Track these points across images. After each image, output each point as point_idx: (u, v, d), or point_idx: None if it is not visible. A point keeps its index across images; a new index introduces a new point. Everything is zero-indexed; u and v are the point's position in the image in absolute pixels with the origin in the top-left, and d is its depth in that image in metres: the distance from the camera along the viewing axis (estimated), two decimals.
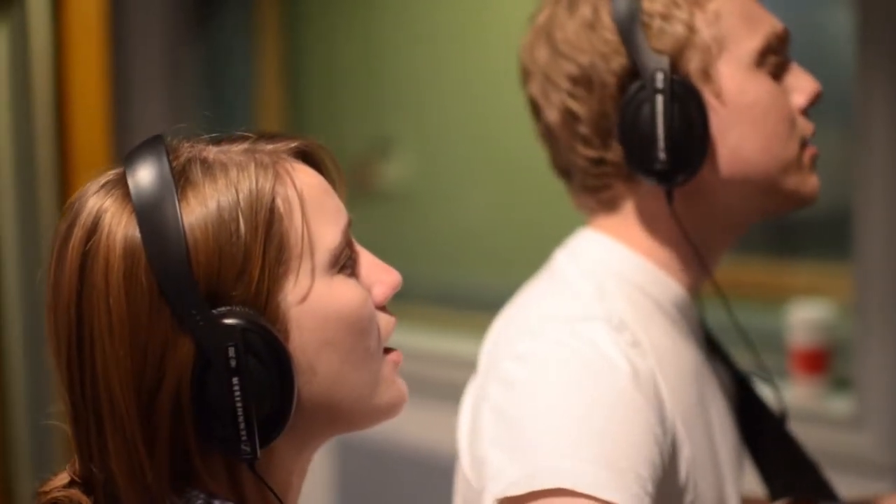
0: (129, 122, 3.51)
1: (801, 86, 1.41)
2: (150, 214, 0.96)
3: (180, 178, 0.99)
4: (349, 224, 1.07)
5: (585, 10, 1.39)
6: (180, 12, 3.84)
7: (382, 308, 1.09)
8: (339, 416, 1.05)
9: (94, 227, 0.98)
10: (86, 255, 0.98)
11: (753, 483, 1.64)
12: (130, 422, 0.97)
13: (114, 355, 0.96)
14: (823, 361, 2.71)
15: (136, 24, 3.68)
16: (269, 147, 1.05)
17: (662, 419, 1.28)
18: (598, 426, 1.20)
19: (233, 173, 1.00)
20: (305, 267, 1.01)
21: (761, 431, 1.58)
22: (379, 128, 3.93)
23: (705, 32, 1.36)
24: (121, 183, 1.00)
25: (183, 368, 0.96)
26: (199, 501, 0.99)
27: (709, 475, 1.39)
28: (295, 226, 1.01)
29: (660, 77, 1.32)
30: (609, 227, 1.43)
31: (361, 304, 1.04)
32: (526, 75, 1.47)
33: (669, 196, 1.37)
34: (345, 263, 1.04)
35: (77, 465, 1.03)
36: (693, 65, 1.36)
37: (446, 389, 3.08)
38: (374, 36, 3.93)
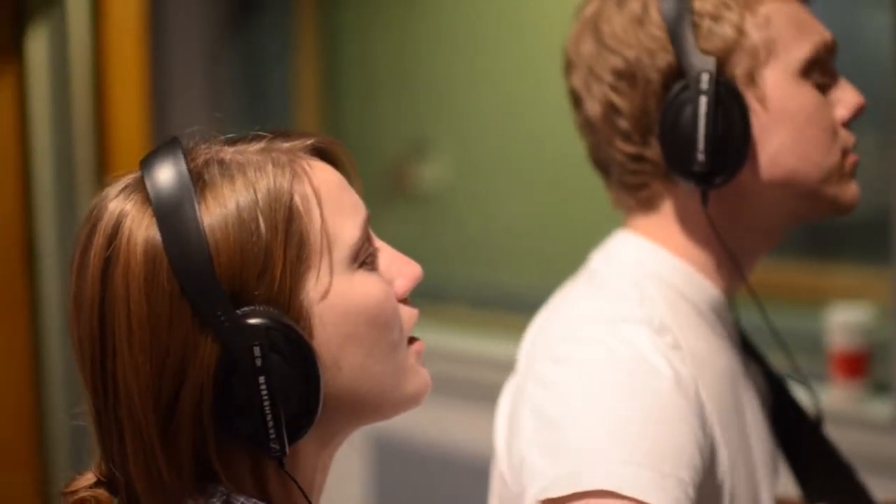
0: (167, 123, 3.53)
1: (846, 99, 1.40)
2: (170, 217, 0.97)
3: (198, 180, 1.00)
4: (368, 219, 1.07)
5: (635, 6, 1.38)
6: (219, 14, 3.86)
7: (404, 300, 1.09)
8: (365, 408, 1.06)
9: (114, 232, 0.99)
10: (107, 261, 0.98)
11: (789, 486, 1.63)
12: (148, 426, 0.97)
13: (133, 361, 0.97)
14: (862, 365, 2.69)
15: (175, 26, 3.69)
16: (285, 146, 1.06)
17: (703, 423, 1.28)
18: (640, 429, 1.20)
19: (250, 173, 1.01)
20: (326, 263, 1.01)
21: (797, 435, 1.57)
22: (416, 129, 3.93)
23: (755, 36, 1.36)
24: (139, 186, 1.01)
25: (206, 370, 0.96)
26: (218, 499, 1.00)
27: (744, 479, 1.38)
28: (314, 223, 1.01)
29: (705, 78, 1.32)
30: (646, 229, 1.43)
31: (383, 298, 1.05)
32: (569, 67, 1.47)
33: (705, 198, 1.36)
34: (365, 258, 1.05)
35: (102, 466, 1.03)
36: (739, 68, 1.35)
37: (482, 391, 3.08)
38: (412, 37, 3.93)
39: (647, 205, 1.42)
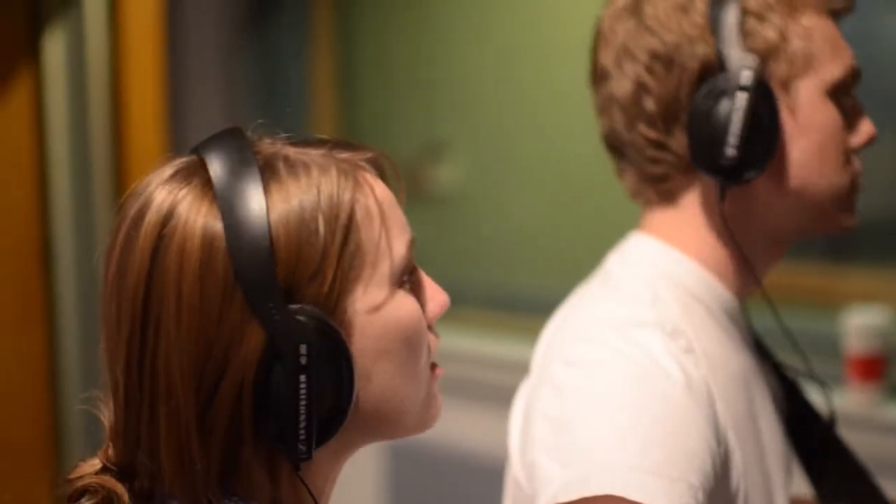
0: (184, 125, 3.53)
1: (862, 128, 1.42)
2: (234, 205, 0.97)
3: (265, 172, 1.00)
4: (413, 240, 1.08)
5: None
6: (235, 16, 3.86)
7: (430, 327, 1.10)
8: (383, 425, 1.06)
9: (169, 214, 0.98)
10: (160, 240, 0.98)
11: (803, 488, 1.62)
12: (187, 410, 0.97)
13: (178, 341, 0.97)
14: (879, 368, 2.68)
15: (192, 27, 3.70)
16: (345, 155, 1.06)
17: (715, 428, 1.27)
18: (650, 434, 1.20)
19: (314, 174, 1.01)
20: (375, 276, 1.02)
21: (811, 437, 1.57)
22: (432, 131, 3.93)
23: (796, 44, 1.36)
24: (195, 172, 1.01)
25: (249, 361, 0.96)
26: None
27: (758, 483, 1.38)
28: (371, 235, 1.02)
29: (746, 74, 1.32)
30: (661, 229, 1.42)
31: (418, 320, 1.05)
32: (600, 42, 1.45)
33: (723, 194, 1.36)
34: (406, 278, 1.06)
35: (112, 451, 1.03)
36: (777, 73, 1.36)
37: (498, 393, 3.08)
38: (427, 38, 3.93)
39: (667, 198, 1.42)
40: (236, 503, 1.00)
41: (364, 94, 4.11)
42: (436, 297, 1.10)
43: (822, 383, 1.53)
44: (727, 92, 1.32)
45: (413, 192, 3.95)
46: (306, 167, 1.01)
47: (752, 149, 1.33)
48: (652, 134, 1.39)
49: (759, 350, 1.54)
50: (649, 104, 1.38)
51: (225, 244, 0.96)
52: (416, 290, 1.08)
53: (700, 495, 1.19)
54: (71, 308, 3.27)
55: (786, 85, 1.36)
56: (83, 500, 1.02)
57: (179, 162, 1.04)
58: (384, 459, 3.53)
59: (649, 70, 1.38)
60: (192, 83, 3.69)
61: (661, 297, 1.36)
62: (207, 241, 0.97)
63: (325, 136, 1.08)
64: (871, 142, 1.43)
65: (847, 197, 1.41)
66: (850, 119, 1.41)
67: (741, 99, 1.31)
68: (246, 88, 4.08)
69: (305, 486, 1.01)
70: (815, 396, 1.58)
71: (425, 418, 1.09)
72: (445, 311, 1.11)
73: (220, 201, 0.97)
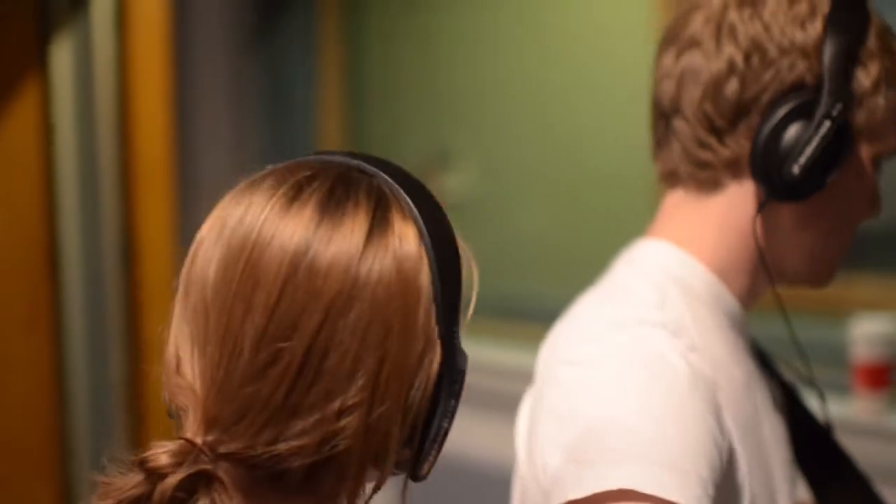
0: (191, 131, 3.54)
1: (875, 203, 1.46)
2: (438, 233, 1.04)
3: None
4: None
5: (803, 8, 1.38)
6: (242, 25, 3.87)
7: None
8: None
9: (379, 201, 1.02)
10: (373, 228, 1.00)
11: (804, 494, 1.62)
12: (397, 405, 0.99)
13: (390, 330, 0.99)
14: (886, 376, 2.68)
15: (199, 34, 3.70)
16: None
17: (720, 424, 1.28)
18: (659, 427, 1.20)
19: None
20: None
21: (811, 444, 1.57)
22: (439, 138, 3.94)
23: (879, 102, 1.38)
24: (393, 195, 1.05)
25: (430, 374, 1.00)
26: None
27: (763, 489, 1.39)
28: None
29: (839, 107, 1.33)
30: (674, 232, 1.43)
31: None
32: (696, 10, 1.42)
33: (762, 206, 1.38)
34: None
35: (217, 437, 1.00)
36: (856, 121, 1.38)
37: (508, 401, 3.07)
38: (435, 46, 3.93)
39: (703, 187, 1.42)
40: None
41: (371, 101, 4.11)
42: None
43: (820, 391, 1.53)
44: (813, 115, 1.33)
45: None
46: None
47: (812, 176, 1.34)
48: (718, 120, 1.38)
49: (760, 357, 1.54)
50: (730, 90, 1.37)
51: (427, 258, 1.02)
52: None
53: (710, 488, 1.20)
54: (78, 313, 3.27)
55: (856, 135, 1.38)
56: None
57: (369, 166, 1.08)
58: None
59: (747, 57, 1.37)
60: (199, 90, 3.69)
61: (670, 298, 1.36)
62: (415, 248, 1.01)
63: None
64: (872, 217, 1.48)
65: (836, 261, 1.47)
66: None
67: (824, 128, 1.33)
68: (253, 96, 4.08)
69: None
70: (815, 404, 1.58)
71: None
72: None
73: (430, 229, 1.04)
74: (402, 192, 1.04)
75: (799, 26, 1.36)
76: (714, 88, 1.38)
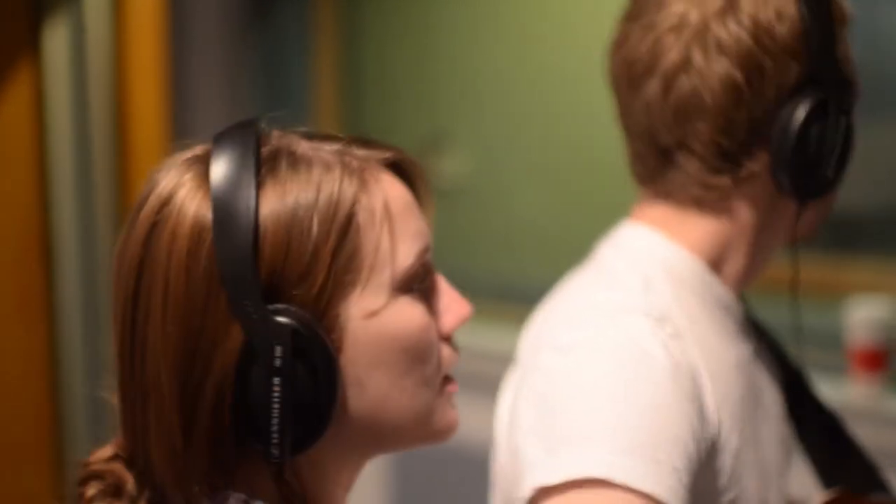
0: (186, 117, 3.53)
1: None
2: (225, 197, 0.95)
3: (263, 167, 0.97)
4: (428, 248, 1.04)
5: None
6: (238, 10, 3.86)
7: (448, 338, 1.07)
8: (384, 437, 1.03)
9: (167, 199, 0.97)
10: (154, 226, 0.97)
11: (802, 481, 1.62)
12: (171, 405, 0.96)
13: (164, 332, 0.95)
14: (882, 359, 2.68)
15: (195, 19, 3.70)
16: (362, 153, 1.03)
17: (702, 413, 1.28)
18: (635, 417, 1.20)
19: (316, 172, 0.98)
20: (373, 282, 0.99)
21: (813, 425, 1.57)
22: (435, 123, 3.93)
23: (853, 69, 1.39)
24: (203, 161, 0.99)
25: (230, 359, 0.94)
26: (232, 501, 0.98)
27: (754, 468, 1.39)
28: (371, 238, 0.99)
29: (847, 99, 1.34)
30: (659, 220, 1.42)
31: (423, 330, 1.02)
32: (671, 35, 1.34)
33: (800, 212, 1.38)
34: (415, 286, 1.02)
35: (122, 439, 1.02)
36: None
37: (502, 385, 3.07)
38: (431, 32, 3.93)
39: (706, 199, 1.39)
40: (236, 499, 0.98)
41: (367, 87, 4.11)
42: (455, 307, 1.06)
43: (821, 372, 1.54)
44: (828, 112, 1.32)
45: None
46: (309, 164, 0.99)
47: (839, 170, 1.35)
48: (733, 147, 1.35)
49: (762, 338, 1.54)
50: (740, 118, 1.33)
51: (212, 236, 0.95)
52: (430, 299, 1.05)
53: (684, 477, 1.20)
54: (72, 303, 3.27)
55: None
56: (91, 484, 1.01)
57: (195, 149, 1.02)
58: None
59: (748, 80, 1.32)
60: (194, 76, 3.69)
61: (654, 284, 1.36)
62: (196, 230, 0.95)
63: (345, 134, 1.05)
64: None
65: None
66: None
67: (843, 123, 1.33)
68: (249, 81, 4.08)
69: (290, 488, 0.99)
70: (819, 385, 1.58)
71: (431, 433, 1.05)
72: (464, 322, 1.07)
73: (214, 192, 0.95)
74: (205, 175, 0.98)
75: (777, 19, 1.33)
76: (725, 121, 1.33)
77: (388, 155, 1.05)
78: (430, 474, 3.51)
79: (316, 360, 0.95)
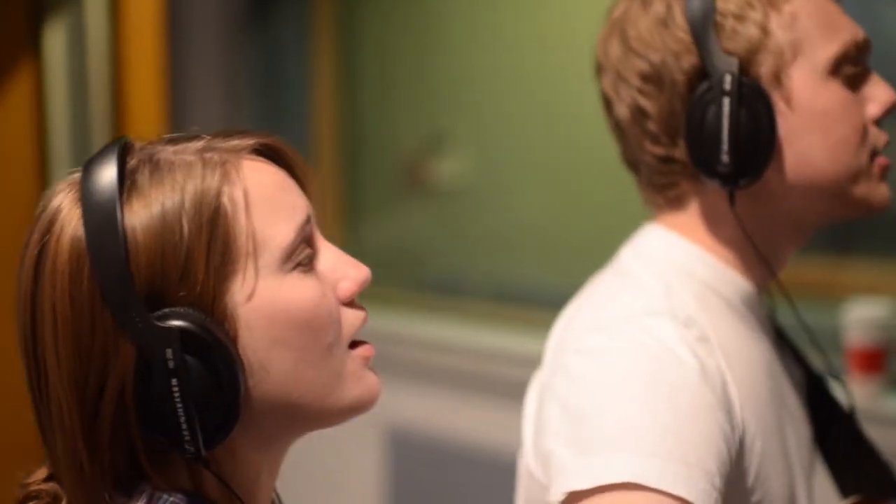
0: (185, 117, 3.53)
1: (878, 96, 1.39)
2: (94, 217, 0.97)
3: (126, 182, 0.99)
4: (308, 220, 1.06)
5: (659, 7, 1.38)
6: (237, 8, 3.86)
7: (351, 303, 1.08)
8: (300, 415, 1.05)
9: (48, 227, 1.00)
10: (40, 255, 1.00)
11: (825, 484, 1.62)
12: (72, 423, 0.98)
13: (56, 358, 0.98)
14: (880, 360, 2.68)
15: (193, 20, 3.70)
16: (226, 145, 1.05)
17: (730, 415, 1.27)
18: (666, 420, 1.20)
19: (179, 175, 1.00)
20: (252, 266, 1.00)
21: (832, 429, 1.57)
22: (433, 123, 3.93)
23: (779, 36, 1.35)
24: (79, 184, 1.01)
25: (125, 372, 0.96)
26: (144, 496, 1.00)
27: (780, 470, 1.39)
28: (242, 225, 1.00)
29: (728, 79, 1.31)
30: (675, 224, 1.43)
31: (315, 302, 1.03)
32: (599, 70, 1.46)
33: (732, 198, 1.36)
34: (301, 260, 1.03)
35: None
36: (764, 68, 1.35)
37: (503, 386, 3.08)
38: (430, 32, 3.93)
39: (676, 203, 1.42)
40: (145, 496, 1.00)
41: (366, 87, 4.11)
42: (351, 273, 1.07)
43: (835, 376, 1.53)
44: (714, 99, 1.32)
45: (416, 185, 3.96)
46: (171, 168, 1.00)
47: (747, 152, 1.32)
48: (658, 150, 1.39)
49: (782, 341, 1.54)
50: (650, 125, 1.39)
51: (88, 258, 0.97)
52: (325, 270, 1.06)
53: (717, 480, 1.20)
54: None
55: (777, 78, 1.35)
56: None
57: (75, 174, 1.04)
58: (386, 453, 3.53)
59: (642, 92, 1.38)
60: (193, 76, 3.69)
61: (675, 288, 1.36)
62: (74, 254, 0.98)
63: (204, 131, 1.07)
64: (891, 108, 1.40)
65: (867, 174, 1.38)
66: (862, 90, 1.39)
67: (726, 104, 1.31)
68: (247, 81, 4.08)
69: (220, 479, 1.01)
70: (837, 389, 1.58)
71: (348, 402, 1.06)
72: (366, 286, 1.08)
73: (84, 215, 0.98)
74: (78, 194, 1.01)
75: (663, 27, 1.37)
76: (637, 130, 1.40)
77: (251, 142, 1.07)
78: (430, 474, 3.51)
79: (212, 353, 0.97)
